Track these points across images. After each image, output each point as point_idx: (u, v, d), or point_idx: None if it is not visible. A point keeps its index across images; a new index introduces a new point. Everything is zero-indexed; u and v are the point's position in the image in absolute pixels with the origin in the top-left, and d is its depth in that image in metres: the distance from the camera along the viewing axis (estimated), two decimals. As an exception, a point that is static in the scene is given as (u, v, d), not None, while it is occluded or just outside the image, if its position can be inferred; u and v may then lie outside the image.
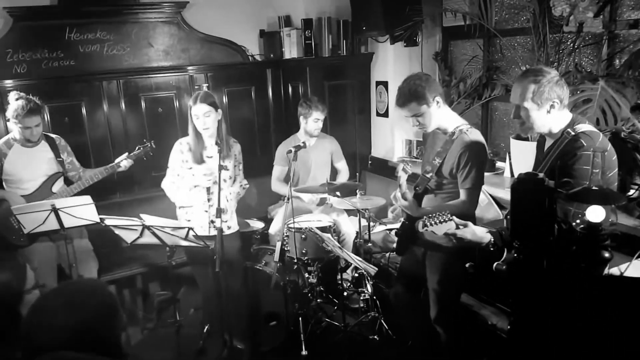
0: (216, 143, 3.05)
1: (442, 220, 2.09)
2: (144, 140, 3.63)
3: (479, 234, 2.06)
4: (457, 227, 2.08)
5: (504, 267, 1.93)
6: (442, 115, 2.61)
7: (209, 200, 3.16)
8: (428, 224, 2.08)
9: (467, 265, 2.07)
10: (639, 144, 2.60)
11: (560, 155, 2.05)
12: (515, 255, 1.83)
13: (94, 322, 1.29)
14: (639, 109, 2.64)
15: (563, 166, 2.02)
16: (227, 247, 3.04)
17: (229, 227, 3.29)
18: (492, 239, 2.05)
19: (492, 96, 4.00)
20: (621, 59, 3.00)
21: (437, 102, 2.57)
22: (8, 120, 3.27)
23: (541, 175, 1.66)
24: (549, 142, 2.20)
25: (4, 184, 3.35)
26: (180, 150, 3.20)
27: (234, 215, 3.36)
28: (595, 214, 1.51)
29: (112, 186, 4.15)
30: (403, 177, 2.71)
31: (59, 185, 3.44)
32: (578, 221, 1.57)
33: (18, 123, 3.18)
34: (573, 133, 2.06)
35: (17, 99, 3.18)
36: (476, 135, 2.57)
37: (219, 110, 3.13)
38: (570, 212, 1.86)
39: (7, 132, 3.56)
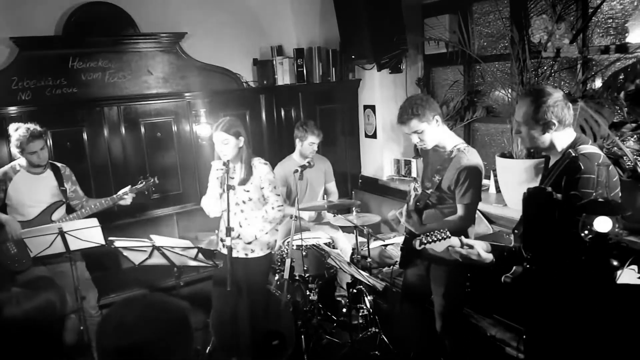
0: (224, 164, 3.04)
1: (439, 237, 2.16)
2: (147, 175, 3.63)
3: (484, 255, 2.16)
4: (462, 246, 2.16)
5: (510, 280, 2.03)
6: (441, 134, 2.75)
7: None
8: (425, 241, 2.17)
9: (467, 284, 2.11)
10: (619, 159, 2.79)
11: (562, 174, 2.06)
12: (526, 267, 1.91)
13: (164, 337, 1.26)
14: (616, 127, 2.85)
15: (568, 184, 2.00)
16: (250, 271, 3.11)
17: (252, 251, 3.21)
18: (494, 260, 2.14)
19: (473, 118, 4.19)
20: (594, 81, 3.22)
21: (437, 121, 2.70)
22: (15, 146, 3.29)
23: (549, 189, 1.77)
24: (553, 159, 2.21)
25: (7, 209, 3.33)
26: (216, 169, 3.22)
27: (260, 240, 3.22)
28: (603, 224, 1.59)
29: (114, 210, 4.12)
30: (414, 195, 2.85)
31: (59, 214, 3.42)
32: (587, 232, 1.64)
33: (24, 150, 3.21)
34: (574, 154, 2.06)
35: (16, 130, 3.22)
36: (473, 154, 2.72)
37: (241, 138, 3.08)
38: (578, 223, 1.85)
39: (10, 157, 3.59)
